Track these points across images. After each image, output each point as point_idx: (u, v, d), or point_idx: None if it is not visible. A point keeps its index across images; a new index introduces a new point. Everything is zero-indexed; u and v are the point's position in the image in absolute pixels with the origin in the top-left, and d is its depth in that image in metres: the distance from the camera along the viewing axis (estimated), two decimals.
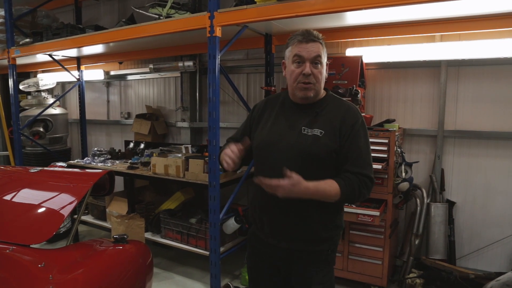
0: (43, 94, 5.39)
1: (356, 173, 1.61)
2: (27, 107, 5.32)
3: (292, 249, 1.68)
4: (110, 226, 3.92)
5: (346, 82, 3.36)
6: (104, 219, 4.25)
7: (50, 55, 4.82)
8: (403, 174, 3.16)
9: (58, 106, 5.56)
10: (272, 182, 1.50)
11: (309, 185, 1.51)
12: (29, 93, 5.47)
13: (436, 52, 3.17)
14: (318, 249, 1.70)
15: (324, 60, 1.68)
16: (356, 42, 3.58)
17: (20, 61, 4.90)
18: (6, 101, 5.18)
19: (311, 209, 1.64)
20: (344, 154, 1.65)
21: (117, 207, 4.13)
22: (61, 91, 6.18)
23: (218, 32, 2.90)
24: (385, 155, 3.03)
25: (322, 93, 1.75)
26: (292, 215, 1.66)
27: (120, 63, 5.28)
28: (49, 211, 1.93)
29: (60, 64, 4.99)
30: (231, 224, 3.31)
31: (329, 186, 1.56)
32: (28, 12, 4.88)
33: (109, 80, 5.61)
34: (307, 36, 1.63)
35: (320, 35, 1.66)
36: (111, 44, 3.99)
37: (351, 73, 3.37)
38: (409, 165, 3.23)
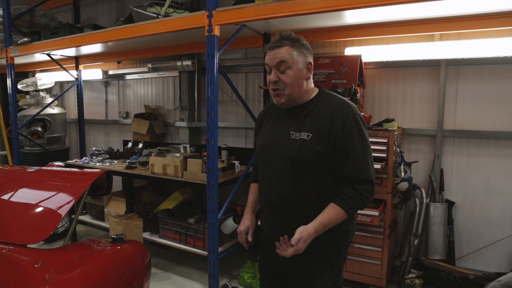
0: (41, 93, 5.37)
1: (354, 182, 1.56)
2: (25, 107, 5.32)
3: None
4: (108, 226, 3.91)
5: (345, 81, 3.36)
6: (102, 219, 4.24)
7: (48, 55, 4.81)
8: (402, 174, 3.15)
9: (57, 105, 5.56)
10: (285, 253, 1.49)
11: (314, 226, 1.50)
12: (27, 92, 5.45)
13: (435, 51, 3.16)
14: (320, 253, 1.64)
15: (296, 60, 1.58)
16: (355, 41, 3.57)
17: (18, 60, 4.88)
18: (4, 100, 5.17)
19: (309, 215, 1.57)
20: (339, 157, 1.56)
21: (115, 207, 4.12)
22: (59, 91, 6.17)
23: (216, 31, 2.89)
24: (384, 155, 3.02)
25: (313, 92, 1.68)
26: (292, 220, 1.62)
27: (119, 62, 5.27)
28: (47, 210, 1.91)
29: (59, 64, 4.98)
30: (230, 224, 3.30)
31: (334, 214, 1.54)
32: (26, 11, 4.87)
33: (108, 80, 5.59)
34: (272, 43, 1.61)
35: (291, 35, 1.59)
36: (109, 43, 3.99)
37: (350, 72, 3.36)
38: (408, 165, 3.22)
